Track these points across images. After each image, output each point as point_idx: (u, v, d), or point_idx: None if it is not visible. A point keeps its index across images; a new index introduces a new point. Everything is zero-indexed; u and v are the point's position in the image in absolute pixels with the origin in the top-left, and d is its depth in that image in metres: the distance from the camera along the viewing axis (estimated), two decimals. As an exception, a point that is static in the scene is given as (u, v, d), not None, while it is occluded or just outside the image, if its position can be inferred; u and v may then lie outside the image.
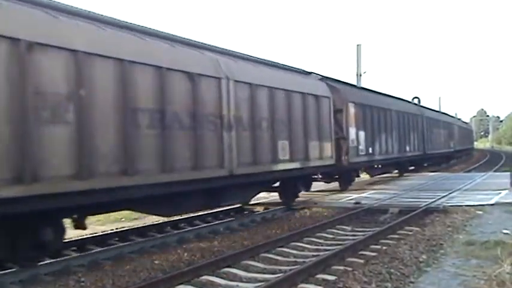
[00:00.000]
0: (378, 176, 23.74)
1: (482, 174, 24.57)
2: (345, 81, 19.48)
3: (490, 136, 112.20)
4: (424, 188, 18.13)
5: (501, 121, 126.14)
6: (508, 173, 17.47)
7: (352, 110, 17.18)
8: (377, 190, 17.89)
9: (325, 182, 18.00)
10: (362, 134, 17.88)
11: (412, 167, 27.84)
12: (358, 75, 30.50)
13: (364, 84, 28.78)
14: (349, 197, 15.84)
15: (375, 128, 19.57)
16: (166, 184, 8.71)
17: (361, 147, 17.75)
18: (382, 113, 20.62)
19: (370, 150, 18.66)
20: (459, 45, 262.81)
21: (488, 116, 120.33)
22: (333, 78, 17.64)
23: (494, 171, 28.32)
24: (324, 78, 16.52)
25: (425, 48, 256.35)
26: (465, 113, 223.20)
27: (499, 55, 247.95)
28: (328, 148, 15.00)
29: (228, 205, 12.55)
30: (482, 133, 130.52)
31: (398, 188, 18.53)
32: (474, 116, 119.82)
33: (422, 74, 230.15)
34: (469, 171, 30.41)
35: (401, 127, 23.33)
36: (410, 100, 33.82)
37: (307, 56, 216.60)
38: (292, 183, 14.17)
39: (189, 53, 10.27)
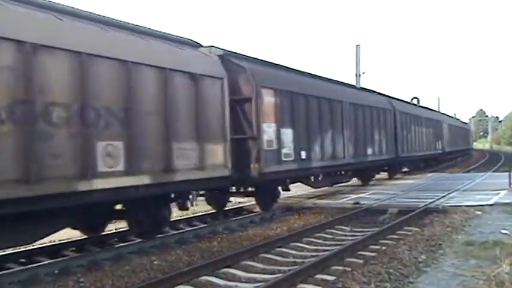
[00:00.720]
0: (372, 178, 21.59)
1: (482, 174, 24.62)
2: (262, 59, 14.38)
3: (489, 136, 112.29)
4: (423, 188, 18.15)
5: (500, 121, 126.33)
6: (507, 173, 17.48)
7: (268, 99, 12.65)
8: (376, 190, 17.89)
9: (213, 203, 13.38)
10: (288, 132, 13.44)
11: (385, 172, 23.76)
12: (357, 76, 30.54)
13: (363, 84, 28.58)
14: (348, 198, 15.83)
15: (313, 124, 14.85)
16: None
17: (286, 150, 13.24)
18: (326, 105, 15.77)
19: (304, 154, 14.08)
20: (458, 46, 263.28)
21: (487, 116, 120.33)
22: (241, 54, 13.23)
23: (494, 171, 28.36)
24: (227, 54, 12.32)
25: (424, 49, 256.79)
26: (464, 114, 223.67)
27: (498, 56, 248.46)
28: (219, 153, 10.65)
29: None
30: (481, 133, 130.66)
31: (397, 188, 18.53)
32: (473, 117, 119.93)
33: (422, 75, 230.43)
34: (468, 171, 30.45)
35: (360, 124, 18.47)
36: (409, 100, 33.58)
37: (307, 56, 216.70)
38: (145, 208, 9.43)
39: None
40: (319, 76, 17.69)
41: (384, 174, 23.94)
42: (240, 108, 12.04)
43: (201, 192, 12.54)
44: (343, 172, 18.01)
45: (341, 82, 19.92)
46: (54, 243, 9.67)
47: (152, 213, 9.62)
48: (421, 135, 27.71)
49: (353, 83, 26.92)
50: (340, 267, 7.22)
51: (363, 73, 30.89)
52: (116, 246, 9.49)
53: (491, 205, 12.97)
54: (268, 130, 12.53)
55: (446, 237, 9.31)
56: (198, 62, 10.60)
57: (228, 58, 12.10)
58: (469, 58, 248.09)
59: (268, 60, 14.71)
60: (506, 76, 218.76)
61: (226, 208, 13.92)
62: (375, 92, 24.12)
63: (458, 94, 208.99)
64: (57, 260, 8.25)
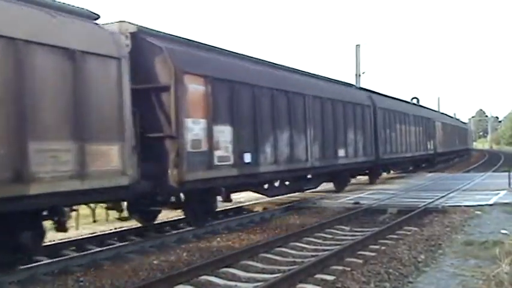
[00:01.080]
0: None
1: (481, 174, 24.62)
2: (190, 39, 11.58)
3: (488, 136, 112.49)
4: (422, 188, 18.16)
5: (500, 121, 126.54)
6: (507, 173, 17.49)
7: (196, 87, 10.16)
8: (376, 190, 17.89)
9: (119, 218, 10.57)
10: (225, 130, 10.95)
11: (366, 176, 21.30)
12: (357, 76, 30.60)
13: (363, 84, 28.51)
14: (348, 197, 15.83)
15: (263, 121, 12.34)
16: None
17: (222, 153, 10.73)
18: (282, 98, 13.31)
19: (248, 158, 11.63)
20: (458, 46, 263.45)
21: (487, 116, 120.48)
22: (162, 32, 10.67)
23: (493, 171, 28.37)
24: (141, 31, 9.84)
25: (424, 49, 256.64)
26: (464, 114, 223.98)
27: (498, 56, 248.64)
28: (112, 156, 8.20)
29: None
30: (481, 133, 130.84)
31: (397, 188, 18.54)
32: (473, 117, 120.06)
33: (422, 75, 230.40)
34: (468, 171, 30.46)
35: (329, 122, 15.96)
36: (408, 100, 33.43)
37: (307, 56, 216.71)
38: None
39: None
40: (274, 64, 14.82)
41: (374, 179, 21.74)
42: (156, 99, 9.72)
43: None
44: (309, 176, 15.58)
45: (305, 72, 16.60)
46: (53, 242, 9.68)
47: (6, 238, 7.13)
48: (409, 135, 25.18)
49: (353, 82, 26.71)
50: (340, 267, 7.23)
51: (363, 73, 31.01)
52: (116, 245, 9.48)
53: (490, 205, 12.99)
54: (194, 127, 10.04)
55: (446, 237, 9.32)
56: (80, 35, 8.03)
57: (141, 36, 9.76)
58: (468, 58, 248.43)
59: (199, 41, 11.83)
60: (506, 76, 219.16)
61: (224, 208, 13.71)
62: (352, 85, 21.42)
63: (458, 94, 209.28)
64: (57, 259, 8.25)
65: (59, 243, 9.59)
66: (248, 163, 11.66)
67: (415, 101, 35.27)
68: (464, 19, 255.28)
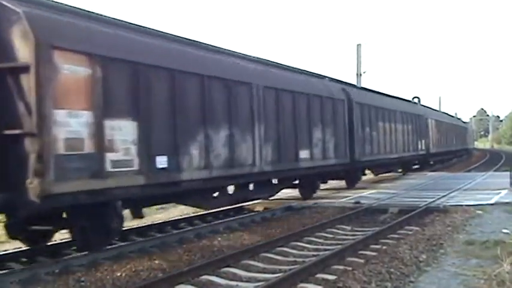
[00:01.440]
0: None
1: (482, 173, 24.62)
2: (71, 5, 8.83)
3: (489, 136, 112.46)
4: (423, 188, 18.15)
5: (501, 121, 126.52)
6: (508, 173, 17.48)
7: (75, 69, 7.71)
8: (376, 190, 17.87)
9: (17, 234, 8.71)
10: (125, 126, 8.52)
11: (341, 179, 18.68)
12: (358, 75, 30.60)
13: (364, 84, 28.46)
14: (348, 197, 15.82)
15: (189, 115, 10.03)
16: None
17: (120, 155, 8.34)
18: (218, 87, 10.93)
19: (163, 162, 9.26)
20: (459, 45, 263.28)
21: (488, 115, 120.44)
22: None
23: (494, 170, 28.36)
24: None
25: (425, 48, 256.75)
26: (465, 113, 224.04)
27: (499, 55, 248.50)
28: None
29: None
30: (482, 133, 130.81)
31: (398, 187, 18.52)
32: (474, 116, 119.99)
33: (423, 74, 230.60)
34: (469, 170, 30.46)
35: (288, 118, 13.57)
36: (408, 98, 33.25)
37: (308, 55, 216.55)
38: None
39: None
40: (208, 45, 12.09)
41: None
42: (13, 84, 7.25)
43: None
44: (274, 181, 13.70)
45: (255, 58, 13.94)
46: (54, 242, 9.68)
47: None
48: (394, 134, 22.59)
49: (354, 82, 26.63)
50: (341, 267, 7.22)
51: (364, 72, 30.96)
52: (117, 245, 9.47)
53: (492, 204, 12.99)
54: (71, 122, 7.57)
55: (447, 236, 9.32)
56: None
57: None
58: (470, 57, 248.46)
59: (90, 10, 9.22)
60: (507, 75, 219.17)
61: (225, 208, 13.55)
62: (325, 77, 18.38)
63: (460, 93, 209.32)
64: (58, 259, 8.25)
65: (60, 243, 9.60)
66: (163, 169, 9.25)
67: (416, 100, 35.11)
68: (466, 18, 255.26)
